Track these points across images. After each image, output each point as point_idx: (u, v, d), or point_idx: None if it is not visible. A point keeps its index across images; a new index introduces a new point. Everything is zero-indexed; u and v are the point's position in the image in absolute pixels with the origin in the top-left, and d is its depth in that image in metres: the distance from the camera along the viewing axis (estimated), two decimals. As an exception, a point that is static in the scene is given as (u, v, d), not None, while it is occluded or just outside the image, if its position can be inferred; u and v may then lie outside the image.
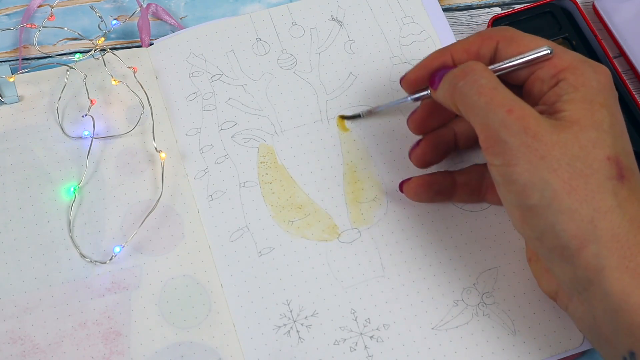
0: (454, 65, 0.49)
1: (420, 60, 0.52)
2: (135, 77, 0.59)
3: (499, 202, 0.51)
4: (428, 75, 0.51)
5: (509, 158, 0.43)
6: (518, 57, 0.47)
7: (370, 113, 0.58)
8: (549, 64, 0.46)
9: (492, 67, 0.48)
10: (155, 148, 0.57)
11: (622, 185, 0.43)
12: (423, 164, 0.55)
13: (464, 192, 0.54)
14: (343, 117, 0.59)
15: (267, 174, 0.57)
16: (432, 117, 0.53)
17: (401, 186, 0.55)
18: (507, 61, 0.48)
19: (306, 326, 0.52)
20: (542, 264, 0.49)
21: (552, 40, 0.61)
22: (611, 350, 0.43)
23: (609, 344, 0.43)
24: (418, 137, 0.55)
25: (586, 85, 0.44)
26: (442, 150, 0.54)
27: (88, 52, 0.60)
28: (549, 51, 0.46)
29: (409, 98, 0.54)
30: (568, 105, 0.44)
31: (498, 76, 0.47)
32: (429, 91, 0.51)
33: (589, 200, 0.42)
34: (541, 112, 0.45)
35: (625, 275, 0.41)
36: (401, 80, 0.53)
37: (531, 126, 0.43)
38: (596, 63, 0.46)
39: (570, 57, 0.46)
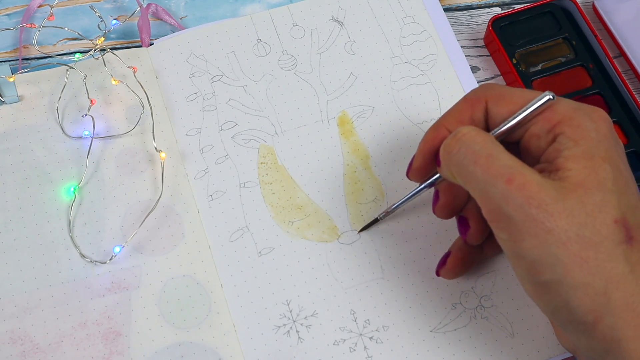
0: None
1: (418, 146, 0.49)
2: (135, 77, 0.59)
3: None
4: (432, 159, 0.48)
5: (514, 233, 0.41)
6: (519, 113, 0.44)
7: (387, 214, 0.55)
8: (543, 117, 0.44)
9: (493, 132, 0.45)
10: (155, 148, 0.57)
11: (632, 249, 0.41)
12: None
13: (490, 251, 0.53)
14: (362, 230, 0.55)
15: (267, 174, 0.57)
16: (456, 197, 0.50)
17: (438, 272, 0.53)
18: (508, 121, 0.45)
19: (306, 326, 0.53)
20: None
21: (552, 41, 0.61)
22: None
23: None
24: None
25: (585, 138, 0.42)
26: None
27: (88, 52, 0.60)
28: (550, 96, 0.44)
29: (422, 186, 0.51)
30: (570, 163, 0.42)
31: (497, 137, 0.45)
32: (439, 174, 0.49)
33: (601, 271, 0.40)
34: (542, 170, 0.43)
35: None
36: (407, 173, 0.50)
37: (534, 195, 0.40)
38: (592, 108, 0.44)
39: (563, 108, 0.44)
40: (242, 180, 0.57)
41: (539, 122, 0.44)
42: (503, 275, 0.54)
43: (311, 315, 0.53)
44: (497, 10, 0.65)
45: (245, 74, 0.61)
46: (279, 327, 0.52)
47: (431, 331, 0.52)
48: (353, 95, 0.60)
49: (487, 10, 0.66)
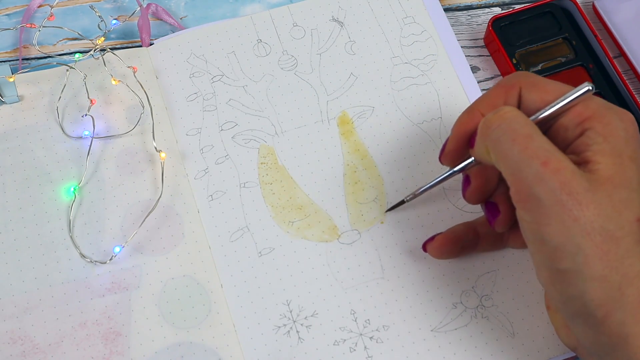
0: None
1: (451, 129, 0.49)
2: (135, 76, 0.59)
3: (522, 246, 0.50)
4: (465, 143, 0.48)
5: (541, 216, 0.41)
6: (560, 100, 0.44)
7: (414, 196, 0.55)
8: (574, 111, 0.44)
9: (533, 117, 0.45)
10: (155, 148, 0.57)
11: None
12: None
13: (486, 241, 0.53)
14: (388, 210, 0.56)
15: (267, 174, 0.57)
16: (487, 182, 0.50)
17: (425, 246, 0.54)
18: (547, 108, 0.45)
19: (306, 326, 0.53)
20: (563, 317, 0.47)
21: (552, 41, 0.61)
22: None
23: None
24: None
25: (614, 136, 0.42)
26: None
27: (88, 52, 0.60)
28: (590, 87, 0.44)
29: (453, 170, 0.50)
30: (599, 157, 0.42)
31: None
32: (472, 158, 0.49)
33: (619, 266, 0.40)
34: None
35: None
36: (440, 157, 0.50)
37: (567, 181, 0.41)
38: (620, 109, 0.44)
39: (595, 105, 0.44)
40: (242, 180, 0.57)
41: (570, 114, 0.44)
42: (504, 275, 0.54)
43: (311, 316, 0.53)
44: (497, 10, 0.66)
45: (246, 74, 0.61)
46: (279, 327, 0.52)
47: (432, 331, 0.52)
48: (353, 95, 0.60)
49: (487, 10, 0.66)
